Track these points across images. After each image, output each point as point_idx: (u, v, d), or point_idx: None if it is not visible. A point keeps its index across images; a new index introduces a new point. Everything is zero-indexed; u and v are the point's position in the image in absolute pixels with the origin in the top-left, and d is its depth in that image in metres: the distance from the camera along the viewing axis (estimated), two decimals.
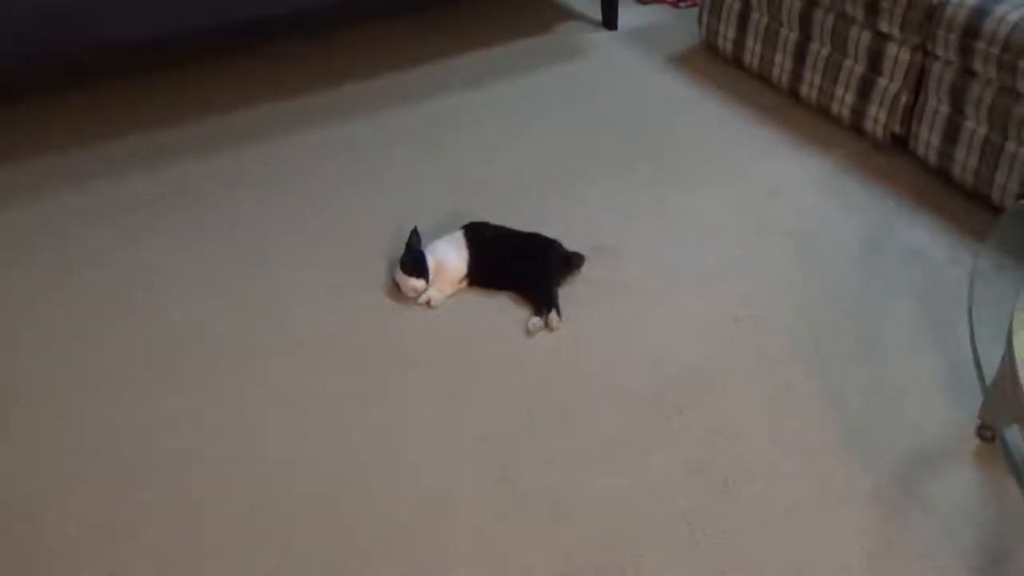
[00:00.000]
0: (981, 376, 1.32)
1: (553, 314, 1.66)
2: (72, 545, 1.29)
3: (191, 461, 1.42)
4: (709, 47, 2.57)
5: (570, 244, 1.81)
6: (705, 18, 2.54)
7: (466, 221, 1.84)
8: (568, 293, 1.74)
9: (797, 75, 2.27)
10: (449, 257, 1.74)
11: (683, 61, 2.57)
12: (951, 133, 1.91)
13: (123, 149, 2.22)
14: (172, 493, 1.37)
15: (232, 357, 1.62)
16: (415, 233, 1.77)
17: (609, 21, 2.77)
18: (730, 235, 1.90)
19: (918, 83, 1.99)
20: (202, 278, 1.81)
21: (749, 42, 2.41)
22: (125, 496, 1.36)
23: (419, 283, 1.70)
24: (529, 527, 1.30)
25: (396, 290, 1.73)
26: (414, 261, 1.72)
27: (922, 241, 1.86)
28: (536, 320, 1.66)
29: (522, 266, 1.76)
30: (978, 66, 1.80)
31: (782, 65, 2.31)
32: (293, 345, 1.64)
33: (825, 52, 2.19)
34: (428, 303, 1.72)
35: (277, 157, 2.19)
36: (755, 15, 2.37)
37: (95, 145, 2.23)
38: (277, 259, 1.86)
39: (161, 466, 1.41)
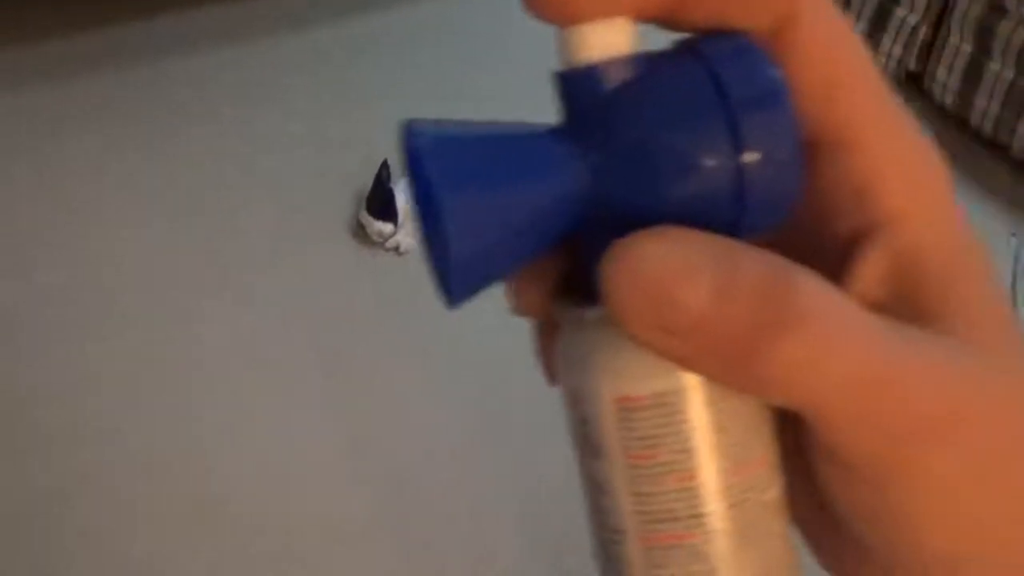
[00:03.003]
0: None
1: None
2: None
3: (117, 433, 1.27)
4: None
5: None
6: None
7: None
8: None
9: None
10: None
11: None
12: (972, 75, 1.76)
13: (25, 55, 1.95)
14: (93, 465, 1.23)
15: (167, 312, 1.45)
16: (385, 166, 1.59)
17: None
18: None
19: (940, 16, 1.82)
20: (130, 219, 1.62)
21: None
22: (45, 466, 1.22)
23: (386, 227, 1.54)
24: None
25: (362, 233, 1.57)
26: (382, 200, 1.54)
27: None
28: None
29: None
30: (1009, 2, 1.64)
31: None
32: (238, 300, 1.48)
33: None
34: (396, 249, 1.55)
35: (221, 71, 1.95)
36: None
37: None
38: (221, 197, 1.66)
39: (84, 437, 1.26)
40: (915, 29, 1.86)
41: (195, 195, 1.65)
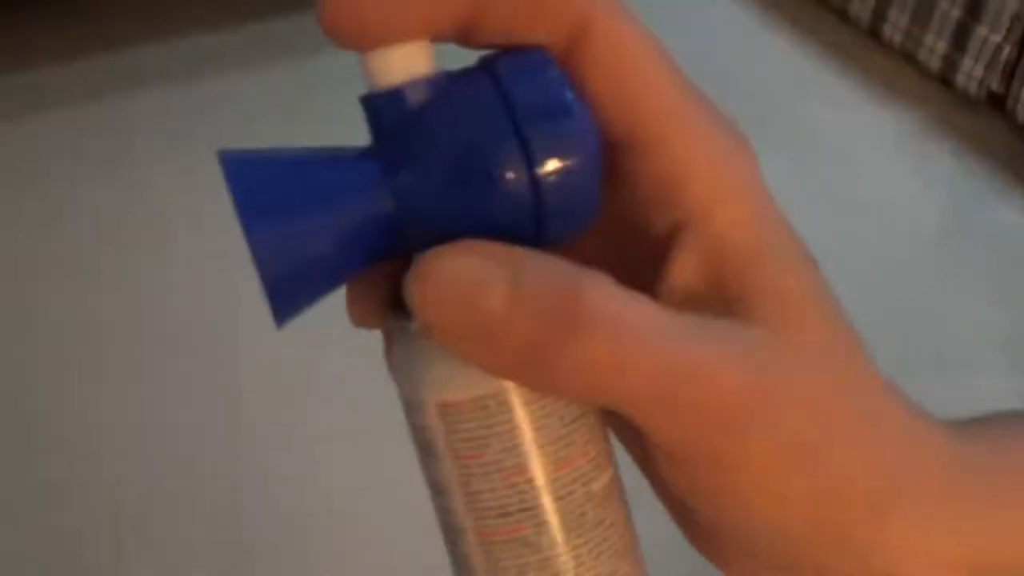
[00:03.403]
0: None
1: None
2: None
3: (164, 464, 1.26)
4: None
5: None
6: None
7: None
8: None
9: (880, 13, 2.00)
10: None
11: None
12: None
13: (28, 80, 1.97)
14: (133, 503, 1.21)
15: (217, 336, 1.45)
16: None
17: None
18: (783, 206, 1.66)
19: None
20: (180, 237, 1.62)
21: None
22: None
23: None
24: None
25: None
26: None
27: (1016, 223, 1.62)
28: None
29: None
30: None
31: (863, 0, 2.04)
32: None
33: None
34: None
35: (264, 89, 1.95)
36: None
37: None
38: None
39: (129, 467, 1.26)
40: (998, 49, 1.75)
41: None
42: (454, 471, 0.23)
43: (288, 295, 0.22)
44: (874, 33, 2.01)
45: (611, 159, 0.23)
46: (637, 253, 0.23)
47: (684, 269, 0.23)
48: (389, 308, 0.24)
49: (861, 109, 1.87)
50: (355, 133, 0.25)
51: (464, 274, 0.21)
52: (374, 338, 0.27)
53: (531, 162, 0.21)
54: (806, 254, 0.24)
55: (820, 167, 1.75)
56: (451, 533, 0.24)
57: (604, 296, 0.21)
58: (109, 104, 1.86)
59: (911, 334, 1.43)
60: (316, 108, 1.82)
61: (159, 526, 1.20)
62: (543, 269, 0.21)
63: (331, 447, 1.28)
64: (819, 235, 1.52)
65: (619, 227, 0.24)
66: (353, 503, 1.22)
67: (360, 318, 0.25)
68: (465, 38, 0.23)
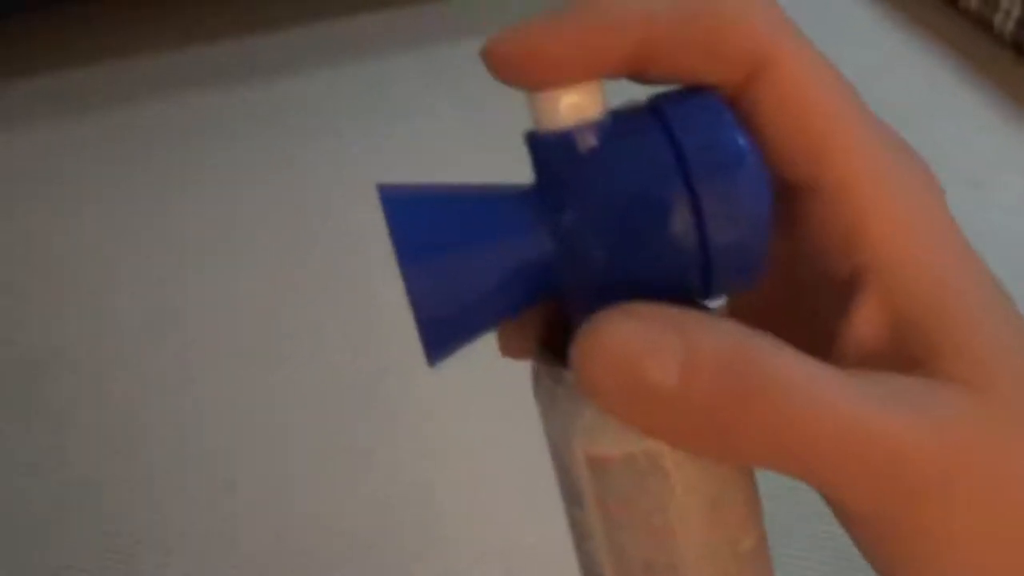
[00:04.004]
0: None
1: None
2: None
3: (219, 479, 1.25)
4: None
5: None
6: None
7: None
8: None
9: None
10: None
11: None
12: None
13: (134, 71, 1.93)
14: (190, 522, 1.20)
15: (264, 349, 1.42)
16: None
17: None
18: None
19: None
20: (231, 248, 1.60)
21: None
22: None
23: None
24: None
25: None
26: None
27: None
28: None
29: None
30: None
31: (1008, 11, 1.89)
32: (349, 334, 1.43)
33: None
34: None
35: (339, 87, 1.92)
36: None
37: (105, 64, 2.02)
38: (356, 225, 1.62)
39: (184, 477, 1.24)
40: None
41: (309, 222, 1.62)
42: (600, 520, 0.23)
43: (443, 336, 0.22)
44: (1018, 47, 1.88)
45: (786, 203, 0.22)
46: (811, 303, 0.23)
47: (867, 321, 0.22)
48: (540, 345, 0.24)
49: (1001, 130, 1.75)
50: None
51: (632, 342, 0.20)
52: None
53: (701, 215, 0.21)
54: (1003, 297, 0.22)
55: (955, 192, 1.63)
56: (590, 575, 0.24)
57: (783, 360, 0.20)
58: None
59: None
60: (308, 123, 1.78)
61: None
62: (715, 334, 0.20)
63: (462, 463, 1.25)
64: None
65: (791, 276, 0.23)
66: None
67: (509, 350, 0.25)
68: (635, 75, 0.22)
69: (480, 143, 1.73)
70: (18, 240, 1.59)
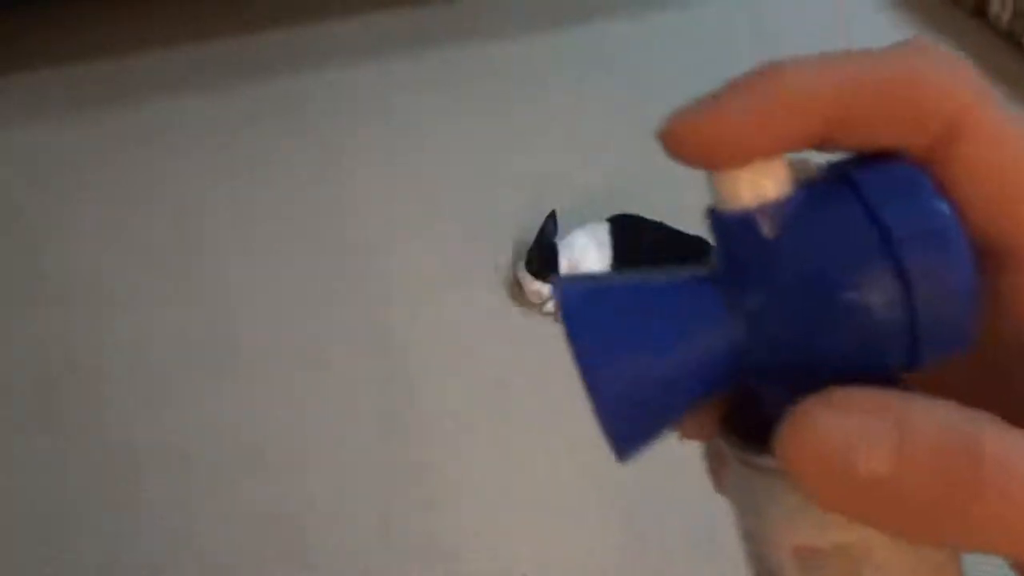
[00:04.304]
0: None
1: None
2: None
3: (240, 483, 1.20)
4: None
5: None
6: None
7: (618, 208, 1.47)
8: None
9: None
10: (587, 257, 1.41)
11: (908, 2, 2.09)
12: None
13: (149, 66, 1.87)
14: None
15: (294, 353, 1.37)
16: (552, 218, 1.44)
17: None
18: None
19: None
20: (257, 250, 1.53)
21: None
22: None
23: (545, 287, 1.39)
24: None
25: (518, 290, 1.43)
26: (541, 258, 1.40)
27: None
28: None
29: None
30: None
31: None
32: (372, 343, 1.38)
33: None
34: (555, 315, 1.41)
35: (378, 84, 1.84)
36: None
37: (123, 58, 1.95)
38: (371, 232, 1.56)
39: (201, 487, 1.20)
40: None
41: (335, 227, 1.56)
42: None
43: (629, 432, 0.21)
44: None
45: (982, 273, 0.21)
46: (1006, 374, 0.22)
47: None
48: (724, 428, 0.23)
49: None
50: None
51: (844, 431, 0.19)
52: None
53: (910, 288, 0.20)
54: None
55: None
56: None
57: (1007, 443, 0.19)
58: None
59: None
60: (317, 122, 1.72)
61: None
62: (931, 418, 0.19)
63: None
64: None
65: (990, 349, 0.22)
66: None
67: (691, 434, 0.24)
68: (823, 146, 0.21)
69: (481, 143, 1.67)
70: (21, 244, 1.54)
